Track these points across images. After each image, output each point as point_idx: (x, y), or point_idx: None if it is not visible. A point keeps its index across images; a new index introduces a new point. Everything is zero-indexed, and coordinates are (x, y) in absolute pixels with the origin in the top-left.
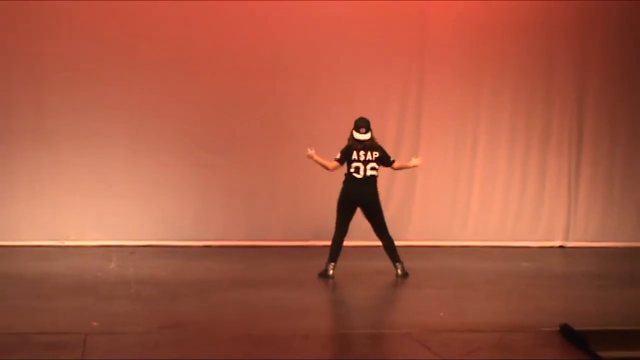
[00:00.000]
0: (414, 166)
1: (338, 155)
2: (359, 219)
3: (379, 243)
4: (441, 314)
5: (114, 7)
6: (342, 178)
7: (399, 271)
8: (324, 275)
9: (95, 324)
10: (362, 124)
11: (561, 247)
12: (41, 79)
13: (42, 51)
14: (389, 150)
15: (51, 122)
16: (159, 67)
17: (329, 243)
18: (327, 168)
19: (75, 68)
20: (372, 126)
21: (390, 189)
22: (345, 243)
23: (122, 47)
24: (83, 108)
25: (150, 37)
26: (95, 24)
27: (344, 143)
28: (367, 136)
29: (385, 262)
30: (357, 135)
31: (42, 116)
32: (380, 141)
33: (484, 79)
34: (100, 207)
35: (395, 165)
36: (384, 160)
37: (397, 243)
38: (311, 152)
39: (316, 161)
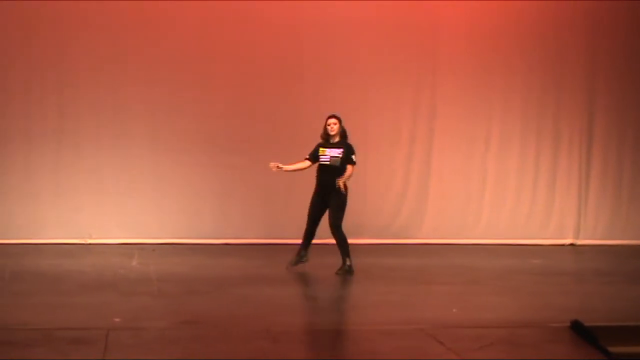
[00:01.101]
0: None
1: (355, 158)
2: (371, 218)
3: (389, 241)
4: (454, 309)
5: (134, 9)
6: (363, 179)
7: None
8: (349, 270)
9: (117, 319)
10: None
11: (571, 245)
12: (63, 81)
13: (63, 54)
14: (404, 150)
15: (73, 124)
16: (179, 70)
17: None
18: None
19: (96, 70)
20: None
21: (404, 189)
22: (358, 241)
23: (143, 50)
24: (104, 110)
25: (170, 40)
26: (116, 27)
27: (361, 143)
28: None
29: (397, 259)
30: None
31: (65, 117)
32: (395, 141)
33: (495, 80)
34: (122, 206)
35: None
36: None
37: (410, 241)
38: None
39: (347, 178)
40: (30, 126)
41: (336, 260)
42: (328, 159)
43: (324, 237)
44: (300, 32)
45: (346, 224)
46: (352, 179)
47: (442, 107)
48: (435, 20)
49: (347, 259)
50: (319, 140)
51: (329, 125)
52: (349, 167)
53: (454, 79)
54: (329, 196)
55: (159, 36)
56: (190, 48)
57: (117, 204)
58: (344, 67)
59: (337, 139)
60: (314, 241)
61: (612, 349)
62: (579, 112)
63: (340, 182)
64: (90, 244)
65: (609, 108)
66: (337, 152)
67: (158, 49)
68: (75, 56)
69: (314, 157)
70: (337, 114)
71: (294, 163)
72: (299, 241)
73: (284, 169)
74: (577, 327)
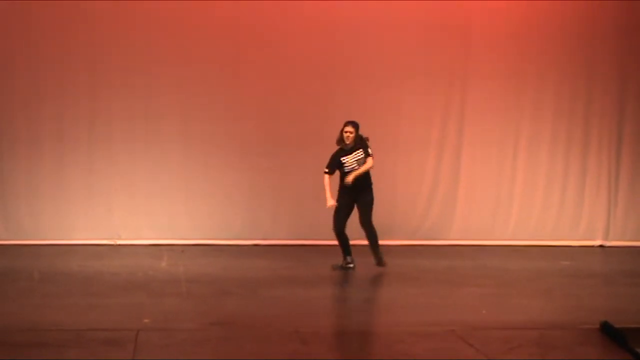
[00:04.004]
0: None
1: (371, 150)
2: (401, 219)
3: (419, 242)
4: (483, 311)
5: (166, 14)
6: (393, 181)
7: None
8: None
9: (146, 320)
10: None
11: (601, 246)
12: (95, 84)
13: (96, 57)
14: (434, 152)
15: (105, 127)
16: (209, 73)
17: None
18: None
19: (128, 74)
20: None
21: (434, 190)
22: (388, 242)
23: (174, 53)
24: (136, 113)
25: (201, 44)
26: (148, 31)
27: (392, 145)
28: None
29: (427, 261)
30: None
31: (97, 120)
32: (424, 143)
33: (525, 82)
34: (151, 207)
35: None
36: None
37: (440, 242)
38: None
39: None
40: (63, 129)
41: (368, 261)
42: (355, 164)
43: (354, 237)
44: (330, 35)
45: (376, 226)
46: (382, 181)
47: (472, 109)
48: (466, 24)
49: (379, 252)
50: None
51: (345, 133)
52: (369, 159)
53: (484, 81)
54: (358, 196)
55: (190, 40)
56: (221, 51)
57: (147, 206)
58: (374, 70)
59: (352, 145)
60: (337, 242)
61: None
62: (609, 113)
63: (352, 176)
64: (119, 244)
65: (639, 108)
66: (359, 155)
67: (189, 52)
68: (108, 60)
69: (333, 168)
70: (354, 121)
71: (325, 188)
72: (328, 242)
73: (332, 202)
74: (606, 329)
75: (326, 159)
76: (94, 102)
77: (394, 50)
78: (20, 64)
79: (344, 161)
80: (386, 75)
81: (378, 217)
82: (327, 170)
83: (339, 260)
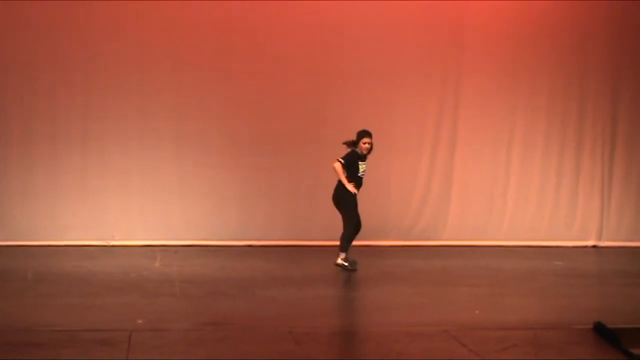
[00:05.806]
0: None
1: None
2: (395, 220)
3: (413, 242)
4: (477, 311)
5: (159, 13)
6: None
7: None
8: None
9: (140, 321)
10: None
11: (594, 246)
12: (89, 84)
13: (90, 57)
14: (427, 152)
15: (99, 126)
16: (203, 73)
17: (367, 243)
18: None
19: (121, 73)
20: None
21: (427, 191)
22: (382, 243)
23: (167, 53)
24: (129, 113)
25: (194, 43)
26: (141, 31)
27: (386, 145)
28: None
29: (421, 261)
30: None
31: (90, 120)
32: (418, 143)
33: (518, 82)
34: (145, 208)
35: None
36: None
37: (434, 243)
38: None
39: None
40: (56, 129)
41: (365, 261)
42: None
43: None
44: (324, 34)
45: (370, 226)
46: (375, 181)
47: (465, 109)
48: (460, 24)
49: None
50: (341, 144)
51: (367, 144)
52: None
53: (477, 81)
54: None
55: (184, 39)
56: (215, 51)
57: (140, 206)
58: (368, 69)
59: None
60: (337, 243)
61: (635, 351)
62: (603, 113)
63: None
64: (113, 245)
65: (632, 109)
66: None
67: (183, 52)
68: (101, 59)
69: (349, 165)
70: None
71: (343, 177)
72: (322, 242)
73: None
74: (599, 329)
75: (321, 159)
76: (87, 102)
77: (388, 49)
78: (14, 63)
79: (360, 166)
80: (380, 74)
81: (371, 217)
82: (343, 163)
83: (332, 260)
